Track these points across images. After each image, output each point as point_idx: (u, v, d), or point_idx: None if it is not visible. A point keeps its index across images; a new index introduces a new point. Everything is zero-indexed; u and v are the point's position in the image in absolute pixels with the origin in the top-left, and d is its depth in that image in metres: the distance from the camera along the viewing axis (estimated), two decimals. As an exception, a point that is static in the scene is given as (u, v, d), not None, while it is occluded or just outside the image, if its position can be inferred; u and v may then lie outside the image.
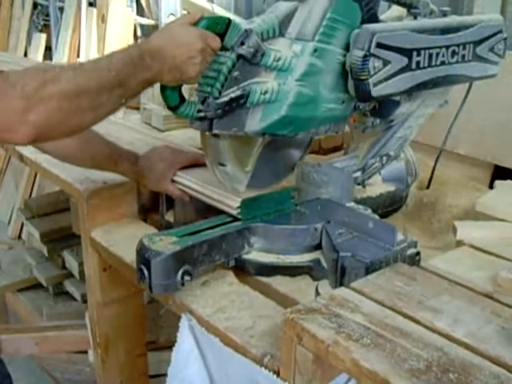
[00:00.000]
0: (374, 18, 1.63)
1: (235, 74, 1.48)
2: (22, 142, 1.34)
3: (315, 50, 1.55)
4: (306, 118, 1.61)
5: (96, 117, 1.42)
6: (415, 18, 1.75)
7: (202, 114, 1.50)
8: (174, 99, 1.49)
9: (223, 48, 1.47)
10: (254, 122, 1.54)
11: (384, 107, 1.78)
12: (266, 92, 1.52)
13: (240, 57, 1.47)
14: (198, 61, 1.43)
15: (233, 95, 1.48)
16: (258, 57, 1.50)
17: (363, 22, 1.60)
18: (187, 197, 1.80)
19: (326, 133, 1.72)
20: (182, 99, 1.50)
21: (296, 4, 1.57)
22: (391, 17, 1.81)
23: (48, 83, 1.29)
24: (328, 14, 1.55)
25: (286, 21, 1.55)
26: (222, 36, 1.46)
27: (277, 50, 1.53)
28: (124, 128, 2.44)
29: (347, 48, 1.58)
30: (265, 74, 1.53)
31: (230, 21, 1.46)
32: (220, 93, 1.48)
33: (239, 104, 1.50)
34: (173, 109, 1.51)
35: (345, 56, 1.59)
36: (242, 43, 1.47)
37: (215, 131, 1.53)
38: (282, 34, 1.56)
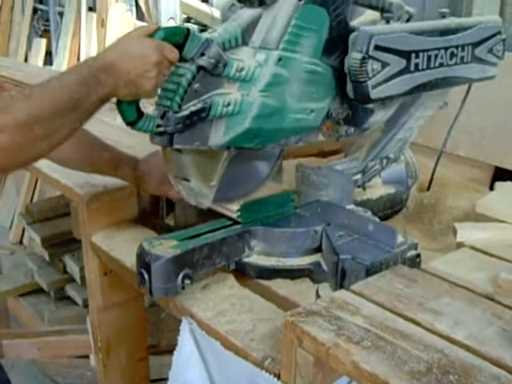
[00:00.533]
0: (343, 24, 1.58)
1: (195, 86, 1.41)
2: None
3: (280, 59, 1.49)
4: (272, 130, 1.56)
5: (51, 144, 1.35)
6: (387, 22, 1.72)
7: (161, 129, 1.42)
8: (131, 114, 1.42)
9: (183, 59, 1.40)
10: (218, 135, 1.49)
11: (357, 115, 1.73)
12: (228, 104, 1.46)
13: (200, 68, 1.41)
14: (153, 74, 1.37)
15: (193, 108, 1.42)
16: (220, 68, 1.43)
17: (331, 28, 1.56)
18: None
19: (296, 143, 1.66)
20: (140, 114, 1.42)
21: (260, 11, 1.50)
22: (365, 21, 1.78)
23: (0, 114, 1.25)
24: (293, 20, 1.49)
25: (249, 29, 1.49)
26: (181, 47, 1.39)
27: (240, 60, 1.47)
28: (123, 132, 2.43)
29: (315, 55, 1.55)
30: (227, 85, 1.47)
31: (188, 31, 1.40)
32: (180, 106, 1.41)
33: (201, 117, 1.43)
34: (130, 124, 1.43)
35: (311, 64, 1.55)
36: (203, 54, 1.40)
37: (176, 146, 1.46)
38: (245, 43, 1.49)
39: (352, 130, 1.78)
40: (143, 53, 1.36)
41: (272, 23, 1.49)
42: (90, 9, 5.68)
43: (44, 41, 6.28)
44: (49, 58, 6.23)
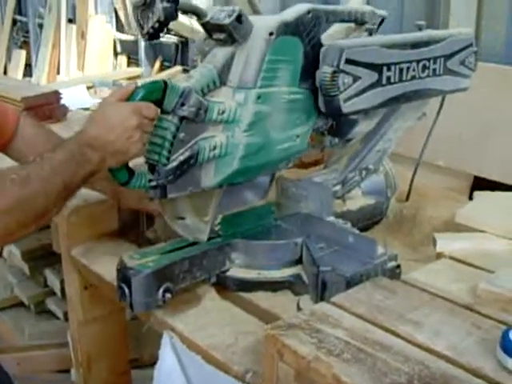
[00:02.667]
0: (317, 46, 1.56)
1: (181, 135, 1.42)
2: None
3: (259, 97, 1.48)
4: (261, 165, 1.56)
5: (39, 224, 1.41)
6: (370, 34, 1.73)
7: (153, 183, 1.44)
8: (122, 176, 1.44)
9: (164, 112, 1.41)
10: (209, 177, 1.50)
11: (342, 126, 1.74)
12: (214, 147, 1.46)
13: (183, 118, 1.41)
14: (136, 138, 1.38)
15: (182, 158, 1.43)
16: (202, 114, 1.43)
17: (306, 53, 1.55)
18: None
19: (287, 166, 1.69)
20: (131, 173, 1.44)
21: (233, 49, 1.50)
22: (339, 31, 1.77)
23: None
24: (267, 56, 1.47)
25: (225, 69, 1.49)
26: (160, 101, 1.40)
27: (220, 102, 1.47)
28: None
29: (293, 83, 1.54)
30: (212, 127, 1.47)
31: (166, 84, 1.39)
32: (168, 158, 1.42)
33: (190, 165, 1.44)
34: (124, 184, 1.45)
35: (290, 93, 1.54)
36: (183, 104, 1.40)
37: (171, 196, 1.48)
38: (223, 83, 1.49)
39: (336, 140, 1.79)
40: (122, 119, 1.38)
41: (246, 61, 1.48)
42: (70, 20, 5.67)
43: (23, 52, 6.26)
44: (28, 69, 6.21)
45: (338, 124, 1.73)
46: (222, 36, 1.49)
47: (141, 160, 1.47)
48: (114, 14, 5.33)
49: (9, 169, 1.40)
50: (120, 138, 1.38)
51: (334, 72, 1.49)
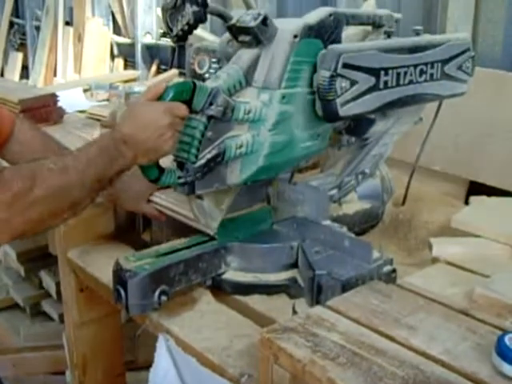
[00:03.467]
0: None
1: (209, 134, 1.47)
2: None
3: (283, 97, 1.53)
4: (284, 162, 1.61)
5: (73, 214, 1.48)
6: (389, 36, 1.76)
7: (182, 180, 1.49)
8: (152, 173, 1.48)
9: (193, 111, 1.46)
10: (234, 175, 1.54)
11: (359, 125, 1.78)
12: (241, 146, 1.51)
13: (211, 117, 1.46)
14: (168, 136, 1.43)
15: (209, 156, 1.47)
16: (229, 113, 1.48)
17: None
18: (163, 217, 1.80)
19: (306, 163, 1.77)
20: (161, 170, 1.48)
21: (258, 51, 1.54)
22: (357, 33, 1.80)
23: (34, 189, 1.35)
24: (291, 58, 1.52)
25: (250, 70, 1.54)
26: (189, 101, 1.44)
27: (246, 102, 1.52)
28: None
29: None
30: (238, 126, 1.51)
31: (195, 85, 1.44)
32: (196, 156, 1.47)
33: (217, 162, 1.49)
34: (154, 182, 1.50)
35: (313, 93, 1.56)
36: (211, 104, 1.45)
37: (198, 192, 1.54)
38: (248, 84, 1.54)
39: (353, 139, 1.83)
40: (155, 118, 1.42)
41: (271, 63, 1.53)
42: (67, 23, 5.66)
43: (20, 55, 6.26)
44: (25, 71, 6.21)
45: (355, 123, 1.78)
46: (247, 38, 1.55)
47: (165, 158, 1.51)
48: (111, 17, 5.32)
49: (47, 159, 1.44)
50: (152, 137, 1.42)
51: (332, 76, 1.50)
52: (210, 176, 1.51)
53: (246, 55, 1.55)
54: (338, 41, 1.60)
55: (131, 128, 1.43)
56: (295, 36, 1.52)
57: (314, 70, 1.55)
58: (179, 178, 1.49)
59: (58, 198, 1.40)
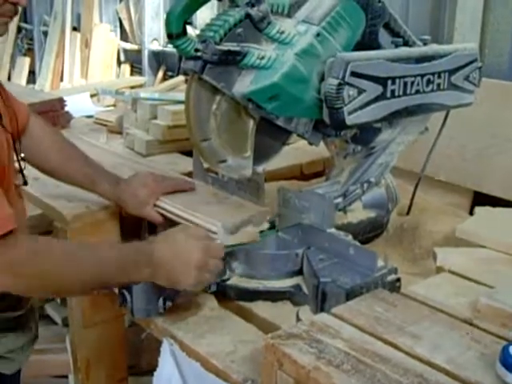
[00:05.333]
0: (373, 36, 1.70)
1: (239, 30, 1.51)
2: None
3: (318, 34, 1.58)
4: (293, 97, 1.59)
5: (58, 296, 1.47)
6: (396, 46, 1.76)
7: (198, 54, 1.50)
8: (177, 26, 1.48)
9: (234, 5, 1.51)
10: (244, 84, 1.56)
11: (365, 134, 1.78)
12: (262, 57, 1.54)
13: (247, 16, 1.51)
14: (193, 275, 1.42)
15: (232, 48, 1.51)
16: (264, 23, 1.53)
17: (364, 33, 1.67)
18: (168, 222, 1.80)
19: (303, 134, 1.69)
20: (185, 31, 1.49)
21: None
22: None
23: (43, 274, 1.33)
24: (337, 7, 1.62)
25: (296, 6, 1.61)
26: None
27: (281, 25, 1.57)
28: (106, 152, 2.44)
29: (346, 48, 1.64)
30: (265, 43, 1.56)
31: None
32: (221, 40, 1.50)
33: (235, 60, 1.52)
34: (172, 37, 1.49)
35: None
36: (253, 5, 1.50)
37: (205, 77, 1.54)
38: (289, 16, 1.61)
39: (359, 148, 1.85)
40: (190, 251, 1.42)
41: (318, 4, 1.61)
42: (75, 29, 5.69)
43: (27, 59, 6.28)
44: (32, 76, 6.23)
45: (361, 132, 1.78)
46: None
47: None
48: (118, 23, 5.35)
49: (59, 241, 1.46)
50: (179, 268, 1.42)
51: (340, 84, 1.51)
52: (221, 70, 1.53)
53: None
54: (375, 31, 1.70)
55: (163, 251, 1.42)
56: None
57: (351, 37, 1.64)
58: (196, 50, 1.50)
59: (43, 281, 1.35)
